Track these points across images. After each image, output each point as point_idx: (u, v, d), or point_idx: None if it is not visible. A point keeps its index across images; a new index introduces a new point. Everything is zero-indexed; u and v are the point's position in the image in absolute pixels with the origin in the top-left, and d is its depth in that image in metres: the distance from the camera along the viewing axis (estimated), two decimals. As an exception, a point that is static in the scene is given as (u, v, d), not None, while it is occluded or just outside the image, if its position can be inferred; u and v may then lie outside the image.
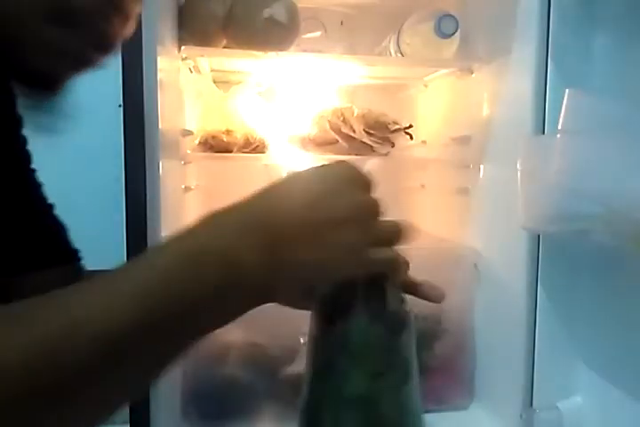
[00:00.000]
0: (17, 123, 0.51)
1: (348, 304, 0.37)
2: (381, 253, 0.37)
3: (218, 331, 0.37)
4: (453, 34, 0.91)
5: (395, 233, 0.39)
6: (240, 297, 0.34)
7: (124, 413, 0.77)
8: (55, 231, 0.57)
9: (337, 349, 0.36)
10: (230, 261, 0.33)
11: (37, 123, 0.47)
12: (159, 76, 0.75)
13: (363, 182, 0.39)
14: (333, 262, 0.35)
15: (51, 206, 0.57)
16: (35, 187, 0.55)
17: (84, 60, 0.45)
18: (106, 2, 0.43)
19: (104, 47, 0.46)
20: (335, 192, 0.37)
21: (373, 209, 0.38)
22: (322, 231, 0.35)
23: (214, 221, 0.36)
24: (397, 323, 0.38)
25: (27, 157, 0.54)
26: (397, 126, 1.01)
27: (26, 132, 0.47)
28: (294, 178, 0.38)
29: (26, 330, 0.28)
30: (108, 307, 0.30)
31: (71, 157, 0.94)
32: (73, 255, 0.58)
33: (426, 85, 1.17)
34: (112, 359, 0.29)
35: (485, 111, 0.92)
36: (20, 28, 0.41)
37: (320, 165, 0.40)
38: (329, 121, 1.00)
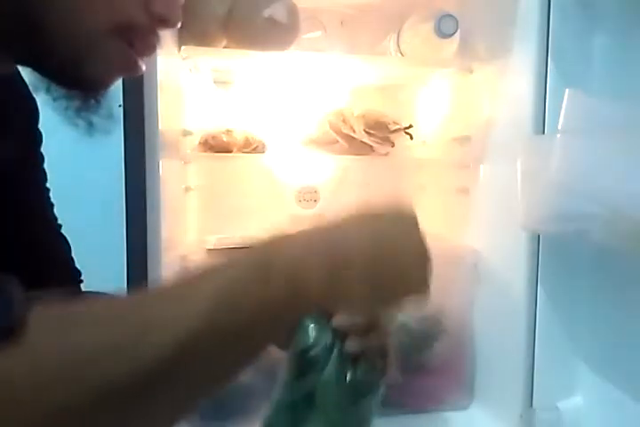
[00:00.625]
0: (38, 140, 0.52)
1: (322, 357, 0.39)
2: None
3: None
4: (453, 34, 0.91)
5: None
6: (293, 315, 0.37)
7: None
8: (64, 252, 0.57)
9: (300, 392, 0.38)
10: (297, 277, 0.36)
11: (89, 123, 0.48)
12: (159, 76, 0.75)
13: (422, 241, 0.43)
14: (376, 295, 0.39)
15: (60, 226, 0.57)
16: (48, 206, 0.56)
17: (131, 67, 0.47)
18: (156, 15, 0.45)
19: (147, 55, 0.48)
20: (400, 239, 0.41)
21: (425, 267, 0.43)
22: (378, 269, 0.39)
23: (282, 241, 0.39)
24: (359, 391, 0.39)
25: (44, 176, 0.55)
26: (397, 126, 1.01)
27: (77, 132, 0.49)
28: (365, 218, 0.42)
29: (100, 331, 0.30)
30: (179, 314, 0.33)
31: (71, 156, 0.94)
32: (77, 276, 0.59)
33: (426, 85, 1.17)
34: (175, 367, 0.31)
35: (485, 111, 0.92)
36: (86, 42, 0.42)
37: (389, 211, 0.43)
38: (329, 121, 1.00)
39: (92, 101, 0.48)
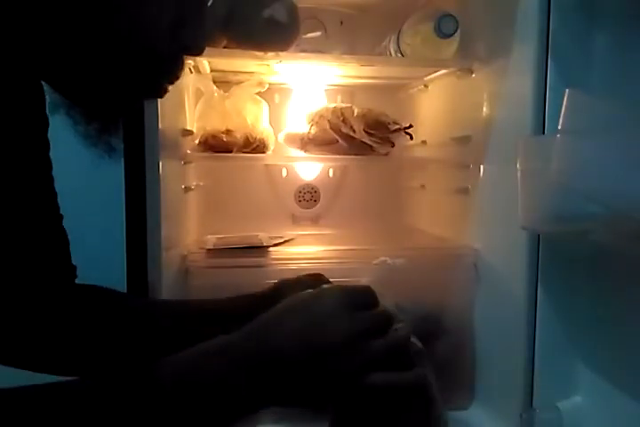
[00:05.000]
0: (44, 125, 0.51)
1: None
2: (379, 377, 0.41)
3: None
4: (453, 34, 0.91)
5: (393, 348, 0.43)
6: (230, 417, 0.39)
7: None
8: (62, 245, 0.56)
9: None
10: (228, 390, 0.38)
11: (109, 146, 0.49)
12: (159, 76, 0.74)
13: (360, 301, 0.44)
14: (325, 389, 0.40)
15: (61, 217, 0.56)
16: (51, 195, 0.55)
17: (159, 92, 0.49)
18: (182, 45, 0.46)
19: (171, 83, 0.50)
20: (330, 319, 0.41)
21: (371, 327, 0.42)
22: (317, 359, 0.39)
23: (208, 350, 0.41)
24: None
25: (48, 164, 0.54)
26: (397, 126, 1.01)
27: (94, 152, 0.49)
28: (289, 308, 0.43)
29: None
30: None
31: (71, 156, 0.94)
32: (72, 272, 0.58)
33: (426, 85, 1.17)
34: None
35: (485, 111, 0.92)
36: (112, 67, 0.43)
37: (316, 291, 0.44)
38: (329, 121, 1.00)
39: (113, 124, 0.48)
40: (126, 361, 0.56)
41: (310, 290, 0.45)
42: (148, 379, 0.38)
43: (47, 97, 0.49)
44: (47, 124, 0.51)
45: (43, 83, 0.47)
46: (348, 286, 0.46)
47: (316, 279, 0.59)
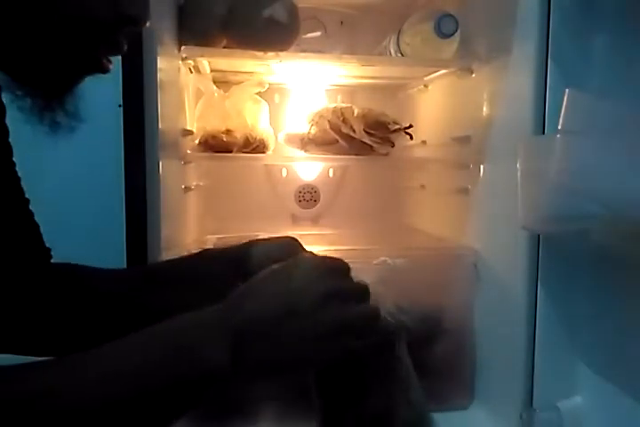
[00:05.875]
0: (1, 111, 0.51)
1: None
2: (344, 342, 0.42)
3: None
4: (453, 34, 0.91)
5: (365, 317, 0.44)
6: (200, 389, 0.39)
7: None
8: (31, 228, 0.56)
9: None
10: (196, 358, 0.38)
11: (53, 121, 0.48)
12: (159, 76, 0.75)
13: (336, 269, 0.44)
14: (291, 358, 0.40)
15: (27, 201, 0.56)
16: (14, 180, 0.55)
17: (101, 66, 0.48)
18: (123, 15, 0.45)
19: (114, 54, 0.49)
20: (306, 284, 0.42)
21: (342, 294, 0.43)
22: (293, 320, 0.40)
23: (185, 321, 0.41)
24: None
25: (7, 149, 0.53)
26: (397, 126, 1.01)
27: (41, 130, 0.48)
28: (265, 278, 0.44)
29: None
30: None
31: (71, 156, 0.95)
32: (47, 253, 0.58)
33: (426, 85, 1.17)
34: None
35: (485, 111, 0.92)
36: (51, 38, 0.43)
37: (291, 261, 0.45)
38: (329, 121, 1.00)
39: (56, 100, 0.48)
40: (96, 339, 0.56)
41: (283, 262, 0.46)
42: (127, 349, 0.39)
43: None
44: (4, 110, 0.51)
45: None
46: (323, 256, 0.46)
47: (288, 245, 0.58)
